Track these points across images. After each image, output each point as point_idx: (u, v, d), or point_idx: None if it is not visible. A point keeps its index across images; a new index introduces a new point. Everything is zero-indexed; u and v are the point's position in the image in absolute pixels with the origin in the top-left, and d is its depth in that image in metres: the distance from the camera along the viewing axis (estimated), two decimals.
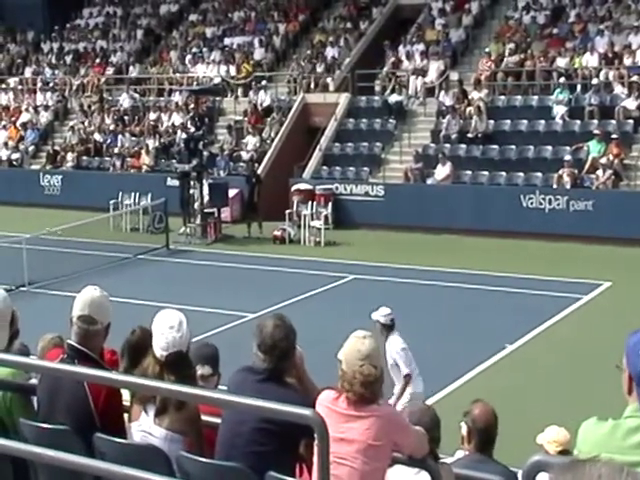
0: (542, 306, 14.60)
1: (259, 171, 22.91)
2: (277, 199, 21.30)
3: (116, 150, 26.05)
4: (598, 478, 1.79)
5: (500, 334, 13.17)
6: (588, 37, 23.46)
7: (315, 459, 3.31)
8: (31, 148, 28.00)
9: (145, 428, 3.91)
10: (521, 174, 20.84)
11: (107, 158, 26.27)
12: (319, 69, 25.97)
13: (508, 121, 22.27)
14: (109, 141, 26.69)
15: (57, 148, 27.41)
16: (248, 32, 28.71)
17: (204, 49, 28.51)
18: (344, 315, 13.39)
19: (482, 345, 12.69)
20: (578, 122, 21.47)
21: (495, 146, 21.79)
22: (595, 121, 21.20)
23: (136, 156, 25.57)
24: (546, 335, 13.37)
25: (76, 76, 29.96)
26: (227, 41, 28.64)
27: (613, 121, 21.04)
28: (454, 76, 23.91)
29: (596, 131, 20.56)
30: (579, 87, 22.37)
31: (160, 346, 3.95)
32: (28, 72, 31.33)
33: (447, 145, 22.20)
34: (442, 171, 21.26)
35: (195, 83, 26.97)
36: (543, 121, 21.84)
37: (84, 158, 26.73)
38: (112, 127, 27.04)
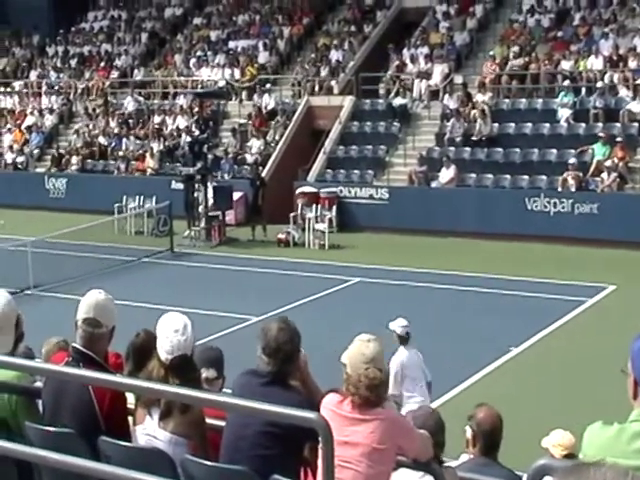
0: (547, 309, 14.59)
1: (263, 174, 22.92)
2: (281, 202, 21.30)
3: (121, 153, 26.09)
4: None
5: (505, 337, 13.15)
6: (593, 40, 23.43)
7: (319, 462, 3.30)
8: (36, 151, 28.05)
9: (150, 431, 3.91)
10: (526, 177, 20.82)
11: (112, 161, 26.30)
12: (323, 72, 25.99)
13: (513, 124, 22.26)
14: (114, 144, 26.73)
15: (62, 151, 27.45)
16: (252, 35, 28.74)
17: (209, 52, 28.54)
18: (348, 318, 13.40)
19: (486, 348, 12.67)
20: (583, 125, 21.44)
21: (500, 149, 21.77)
22: (600, 124, 21.17)
23: (141, 159, 25.60)
24: (551, 338, 13.35)
25: (81, 79, 30.03)
26: (232, 44, 28.68)
27: (618, 124, 21.02)
28: (458, 79, 23.91)
29: (601, 134, 20.53)
30: (584, 90, 22.34)
31: (165, 349, 3.95)
32: (33, 75, 31.40)
33: (451, 148, 22.19)
34: (446, 174, 21.25)
35: (200, 86, 27.00)
36: (548, 124, 21.82)
37: (89, 161, 26.77)
38: (117, 130, 27.07)
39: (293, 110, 25.00)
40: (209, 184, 21.15)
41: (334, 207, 21.26)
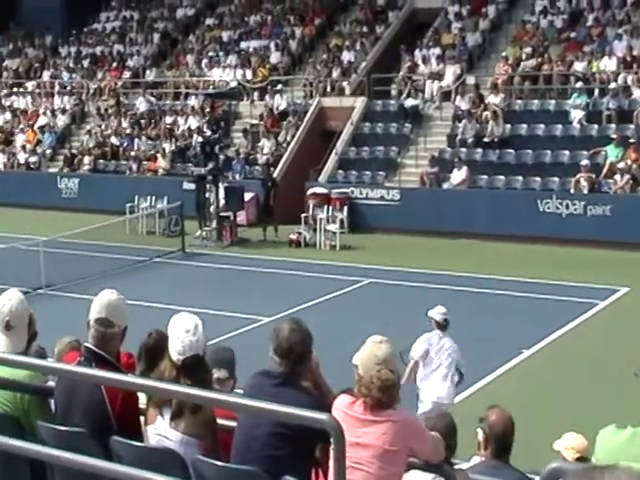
0: (559, 311, 14.53)
1: (275, 175, 22.94)
2: (293, 203, 21.31)
3: (132, 153, 26.16)
4: None
5: (516, 339, 13.11)
6: (606, 41, 23.34)
7: (331, 464, 3.30)
8: (48, 151, 28.16)
9: (161, 432, 3.91)
10: (538, 179, 20.76)
11: (123, 161, 26.39)
12: (335, 73, 25.98)
13: (525, 125, 22.20)
14: (125, 144, 26.81)
15: (74, 151, 27.56)
16: (264, 36, 28.77)
17: (220, 53, 28.59)
18: (360, 319, 13.38)
19: (498, 350, 12.64)
20: (596, 126, 21.36)
21: (512, 150, 21.71)
22: (613, 125, 21.09)
23: (152, 159, 25.67)
24: (563, 341, 13.30)
25: (93, 80, 30.13)
26: (243, 45, 28.72)
27: (631, 125, 20.93)
28: (470, 80, 23.86)
29: (614, 135, 20.45)
30: (597, 91, 22.27)
31: (176, 350, 3.95)
32: (46, 76, 31.53)
33: (463, 149, 22.15)
34: (458, 175, 21.21)
35: (211, 87, 27.05)
36: (560, 125, 21.75)
37: (101, 161, 26.87)
38: (128, 131, 27.16)
39: (305, 111, 25.01)
40: (220, 184, 21.18)
41: (345, 208, 21.27)
